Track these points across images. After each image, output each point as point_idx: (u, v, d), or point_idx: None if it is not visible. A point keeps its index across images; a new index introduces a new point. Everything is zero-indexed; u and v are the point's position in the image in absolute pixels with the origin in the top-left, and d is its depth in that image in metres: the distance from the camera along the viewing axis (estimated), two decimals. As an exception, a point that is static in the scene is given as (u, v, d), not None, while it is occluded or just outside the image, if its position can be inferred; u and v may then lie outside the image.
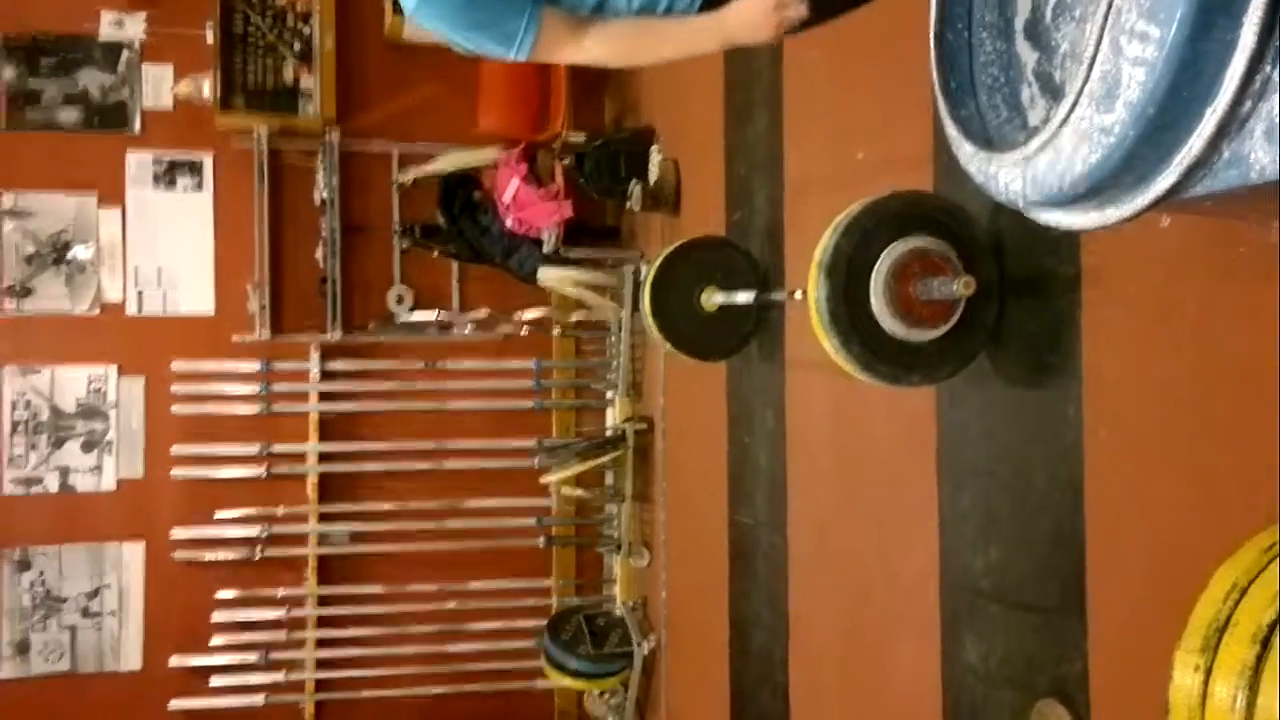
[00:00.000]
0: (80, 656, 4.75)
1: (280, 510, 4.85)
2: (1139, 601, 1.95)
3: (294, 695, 4.82)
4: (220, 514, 4.81)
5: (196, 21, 4.70)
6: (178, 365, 4.83)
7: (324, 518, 4.92)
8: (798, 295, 2.79)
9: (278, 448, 4.88)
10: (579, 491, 5.07)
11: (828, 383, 3.05)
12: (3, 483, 4.73)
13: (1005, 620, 2.34)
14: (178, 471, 4.81)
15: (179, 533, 4.78)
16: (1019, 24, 1.39)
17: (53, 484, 4.78)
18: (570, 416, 5.26)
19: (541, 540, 4.98)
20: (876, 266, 2.27)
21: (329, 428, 4.97)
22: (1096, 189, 1.16)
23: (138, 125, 4.91)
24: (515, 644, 4.96)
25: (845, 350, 2.31)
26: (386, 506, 4.95)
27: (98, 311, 4.85)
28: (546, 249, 4.75)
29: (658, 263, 3.63)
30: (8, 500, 4.73)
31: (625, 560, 4.86)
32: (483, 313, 5.04)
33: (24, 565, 4.72)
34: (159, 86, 4.90)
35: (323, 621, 4.89)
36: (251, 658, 4.76)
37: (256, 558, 4.80)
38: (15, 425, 4.74)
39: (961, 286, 2.19)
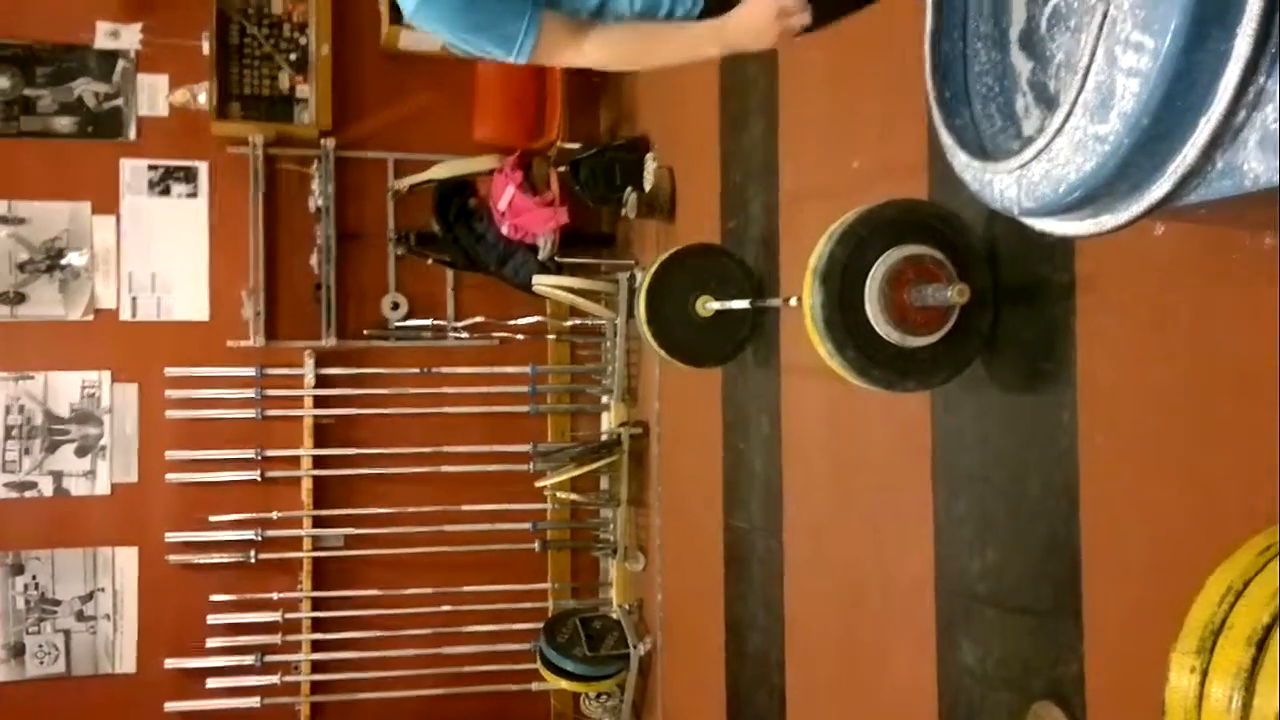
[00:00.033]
0: (75, 659, 4.75)
1: (275, 515, 4.85)
2: (1135, 604, 1.97)
3: (290, 697, 4.82)
4: (215, 518, 4.81)
5: (192, 32, 4.72)
6: (172, 371, 4.83)
7: (319, 522, 4.93)
8: (793, 302, 2.80)
9: (272, 453, 4.89)
10: (574, 496, 5.08)
11: (823, 388, 3.07)
12: (-4, 487, 4.73)
13: (1001, 623, 2.35)
14: (172, 476, 4.81)
15: (173, 536, 4.78)
16: (1014, 34, 1.40)
17: (46, 488, 4.77)
18: (566, 421, 5.27)
19: (537, 544, 4.99)
20: (871, 273, 2.28)
21: (324, 433, 4.97)
22: (1091, 197, 1.17)
23: (133, 133, 4.92)
24: (511, 646, 4.97)
25: (840, 356, 2.32)
26: (382, 511, 4.96)
27: (91, 317, 4.85)
28: (542, 256, 4.77)
29: (653, 270, 3.65)
30: (1, 504, 4.72)
31: (621, 564, 4.87)
32: (478, 319, 5.06)
33: (17, 569, 4.72)
34: (154, 95, 4.91)
35: (318, 624, 4.89)
36: (247, 660, 4.76)
37: (251, 561, 4.81)
38: (9, 430, 4.74)
39: (956, 293, 2.21)
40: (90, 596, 4.77)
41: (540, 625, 4.81)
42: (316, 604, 4.89)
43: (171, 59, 4.86)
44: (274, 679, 4.77)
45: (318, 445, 4.94)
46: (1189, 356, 1.85)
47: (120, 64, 4.89)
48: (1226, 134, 1.05)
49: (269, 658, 4.78)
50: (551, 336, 5.19)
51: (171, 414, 4.82)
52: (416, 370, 5.04)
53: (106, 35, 4.85)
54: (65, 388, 4.81)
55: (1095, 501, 2.07)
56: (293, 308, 4.95)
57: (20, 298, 4.77)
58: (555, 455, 4.86)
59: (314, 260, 4.90)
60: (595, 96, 5.36)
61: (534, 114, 4.93)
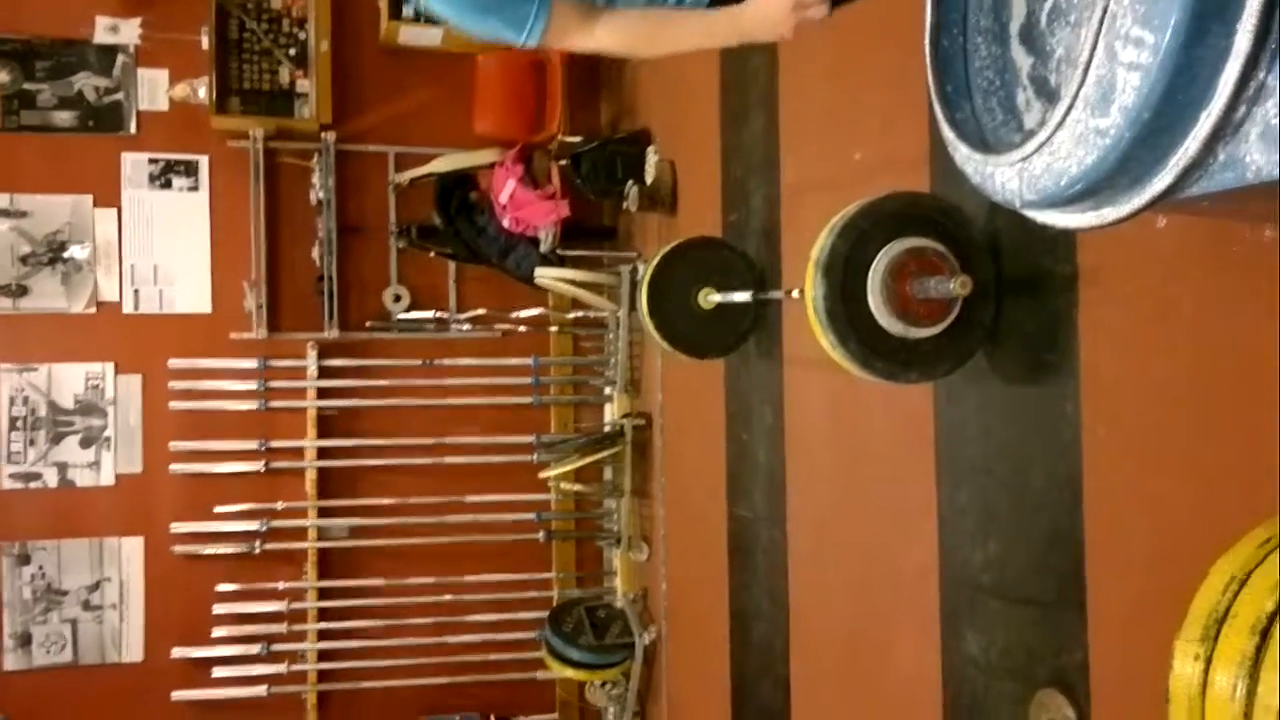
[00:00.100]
0: (82, 649, 4.77)
1: (279, 505, 4.87)
2: (1138, 594, 1.97)
3: (296, 686, 4.85)
4: (219, 509, 4.83)
5: (191, 27, 4.72)
6: (175, 363, 4.84)
7: (323, 513, 4.94)
8: (795, 294, 2.80)
9: (276, 444, 4.90)
10: (578, 486, 5.09)
11: (826, 380, 3.07)
12: (1, 478, 4.74)
13: (1005, 613, 2.36)
14: (176, 467, 4.83)
15: (178, 527, 4.80)
16: (1014, 29, 1.40)
17: (51, 479, 4.79)
18: (569, 412, 5.28)
19: (542, 534, 5.01)
20: (873, 266, 2.28)
21: (328, 424, 4.99)
22: (1092, 190, 1.18)
23: (133, 127, 4.92)
24: (516, 635, 4.99)
25: (843, 348, 2.32)
26: (386, 502, 4.97)
27: (94, 310, 4.86)
28: (543, 249, 4.77)
29: (655, 262, 3.65)
30: (7, 495, 4.74)
31: (625, 554, 4.88)
32: (480, 311, 5.08)
33: (24, 559, 4.74)
34: (154, 90, 4.91)
35: (324, 614, 4.91)
36: (253, 649, 4.78)
37: (256, 552, 4.82)
38: (14, 421, 4.76)
39: (958, 286, 2.21)
40: (97, 586, 4.80)
41: (545, 614, 4.83)
42: (322, 594, 4.91)
43: (171, 54, 4.86)
44: (280, 668, 4.79)
45: (321, 436, 4.95)
46: (1191, 348, 1.86)
47: (120, 59, 4.89)
48: (1227, 128, 1.06)
49: (275, 647, 4.80)
50: (554, 328, 5.20)
51: (175, 405, 4.83)
52: (419, 362, 5.05)
53: (106, 30, 4.85)
54: (69, 379, 4.82)
55: (1098, 492, 2.07)
56: (295, 300, 4.96)
57: (23, 290, 4.78)
58: (559, 446, 4.88)
59: (315, 253, 4.91)
60: (596, 90, 5.36)
61: (534, 107, 4.93)
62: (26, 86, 4.81)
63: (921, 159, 2.60)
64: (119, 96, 4.90)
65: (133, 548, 4.83)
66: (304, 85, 4.84)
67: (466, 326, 5.10)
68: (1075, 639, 2.11)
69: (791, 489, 3.43)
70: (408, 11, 4.84)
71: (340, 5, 4.93)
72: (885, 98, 2.84)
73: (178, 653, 4.74)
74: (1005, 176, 1.27)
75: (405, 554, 4.97)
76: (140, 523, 4.83)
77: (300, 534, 4.91)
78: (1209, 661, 1.25)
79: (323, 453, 4.95)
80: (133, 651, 4.82)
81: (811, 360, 2.97)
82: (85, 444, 4.82)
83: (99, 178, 4.87)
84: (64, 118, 4.86)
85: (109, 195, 4.89)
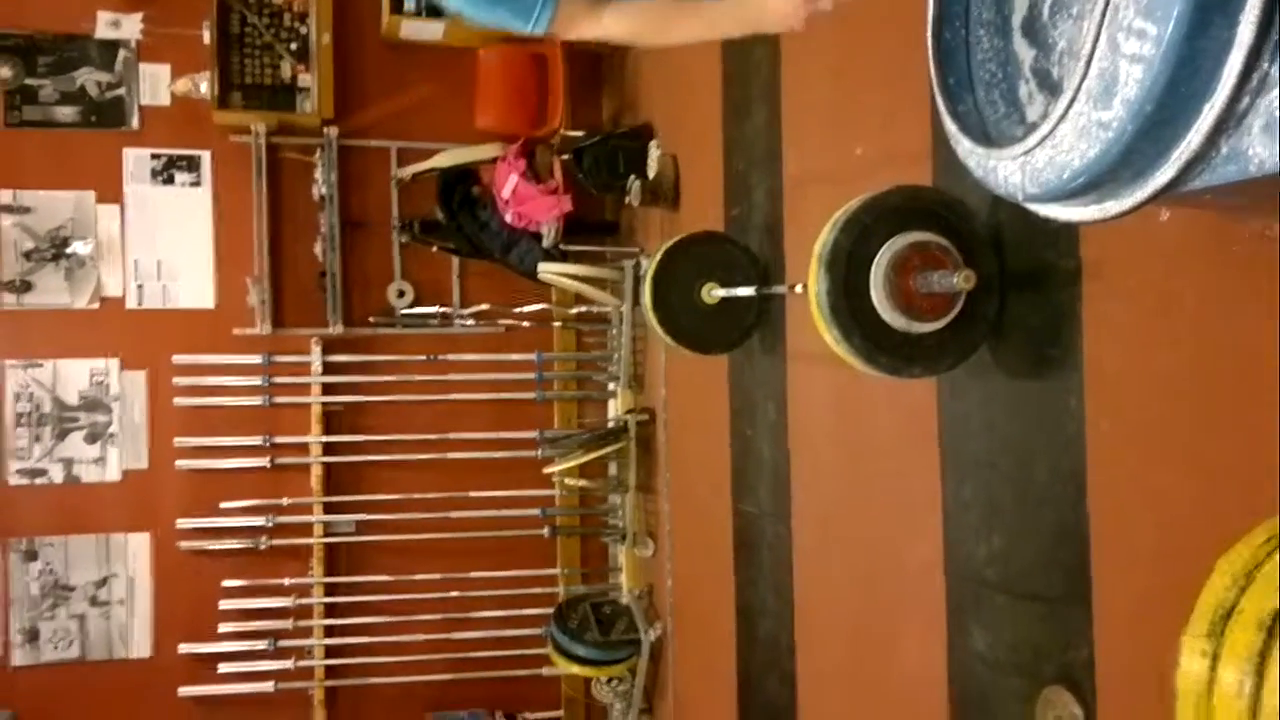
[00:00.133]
0: (90, 644, 4.79)
1: (285, 501, 4.88)
2: (1144, 590, 1.97)
3: (303, 682, 4.86)
4: (225, 504, 4.84)
5: (193, 21, 4.72)
6: (179, 358, 4.85)
7: (329, 508, 4.95)
8: (798, 289, 2.80)
9: (281, 439, 4.91)
10: (582, 482, 5.09)
11: (829, 375, 3.07)
12: (7, 474, 4.75)
13: (1011, 609, 2.35)
14: (182, 463, 4.84)
15: (185, 523, 4.81)
16: (1016, 21, 1.40)
17: (57, 475, 4.80)
18: (572, 408, 5.28)
19: (546, 530, 5.01)
20: (876, 260, 2.27)
21: (332, 420, 4.99)
22: (1095, 183, 1.17)
23: (135, 122, 4.92)
24: (522, 631, 5.00)
25: (846, 342, 2.31)
26: (392, 497, 4.98)
27: (97, 306, 4.87)
28: (546, 244, 4.77)
29: (658, 257, 3.64)
30: (13, 491, 4.75)
31: (630, 550, 4.88)
32: (484, 306, 5.07)
33: (31, 555, 4.75)
34: (156, 85, 4.91)
35: (330, 610, 4.92)
36: (260, 645, 4.79)
37: (262, 547, 4.83)
38: (19, 417, 4.76)
39: (961, 280, 2.20)
40: (104, 582, 4.81)
41: (551, 610, 4.83)
42: (328, 589, 4.92)
43: (173, 48, 4.85)
44: (287, 664, 4.80)
45: (326, 432, 4.96)
46: (1195, 342, 1.85)
47: (122, 53, 4.89)
48: (1230, 120, 1.05)
49: (281, 643, 4.81)
50: (557, 324, 5.20)
51: (180, 401, 4.84)
52: (423, 357, 5.05)
53: (108, 25, 4.85)
54: (74, 375, 4.83)
55: (1103, 487, 2.06)
56: (298, 295, 4.97)
57: (26, 286, 4.79)
58: (563, 442, 4.87)
59: (318, 248, 4.91)
60: (598, 84, 5.35)
61: (536, 102, 4.92)
62: (29, 82, 4.81)
63: (924, 153, 2.59)
64: (121, 92, 4.90)
65: (139, 544, 4.84)
66: (305, 80, 4.83)
67: (470, 322, 5.10)
68: (1081, 635, 2.10)
69: (796, 484, 3.42)
70: (409, 6, 4.83)
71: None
72: (887, 91, 2.83)
73: (184, 648, 4.76)
74: (1008, 170, 1.26)
75: (410, 550, 4.97)
76: (146, 519, 4.84)
77: (306, 530, 4.91)
78: (1216, 658, 1.24)
79: (327, 448, 4.96)
80: (140, 647, 4.83)
81: (815, 355, 2.96)
82: (90, 440, 4.83)
83: (101, 173, 4.88)
84: (66, 113, 4.86)
85: (112, 191, 4.89)
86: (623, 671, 4.74)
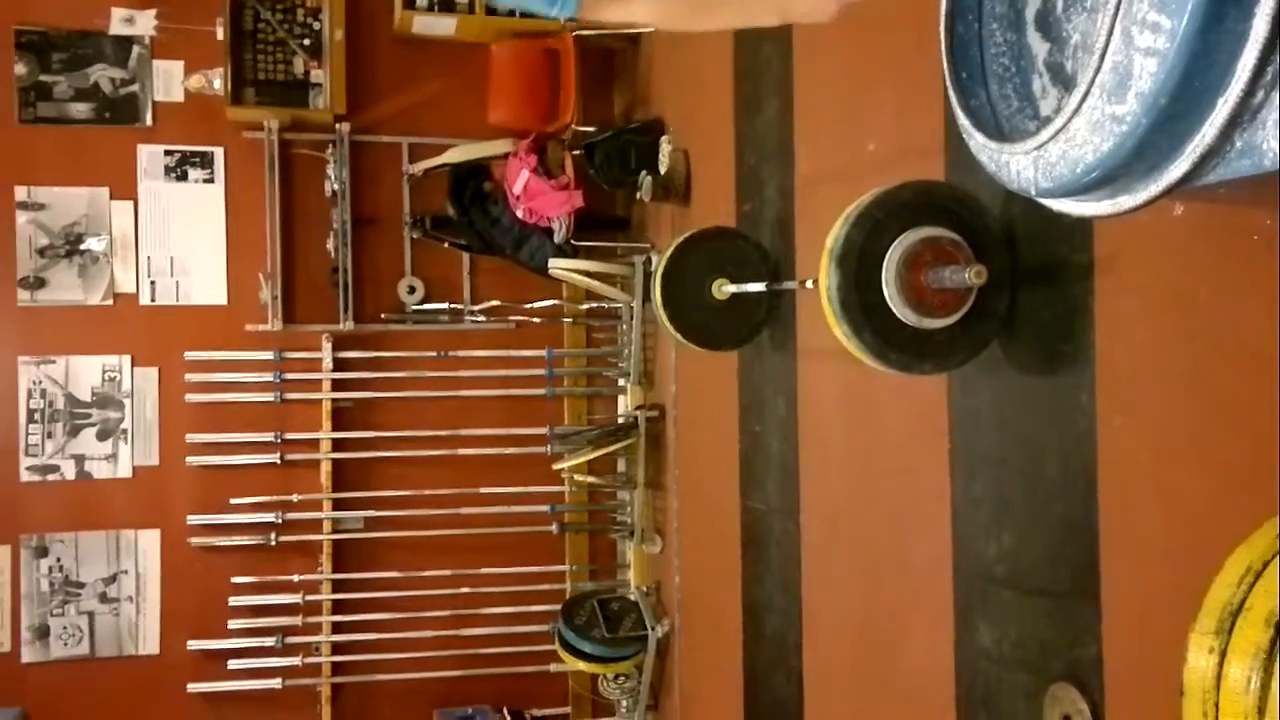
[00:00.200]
0: (99, 641, 4.81)
1: (295, 497, 4.89)
2: (1153, 586, 1.96)
3: (311, 678, 4.87)
4: (235, 501, 4.85)
5: (206, 18, 4.74)
6: (191, 355, 4.87)
7: (338, 504, 4.97)
8: (809, 284, 2.79)
9: (291, 435, 4.93)
10: (592, 478, 5.10)
11: (839, 371, 3.06)
12: (19, 470, 4.77)
13: (1019, 605, 2.35)
14: (193, 459, 4.85)
15: (195, 519, 4.83)
16: (1029, 15, 1.39)
17: (69, 471, 4.82)
18: (582, 404, 5.29)
19: (555, 526, 5.02)
20: (888, 256, 2.26)
21: (343, 416, 5.01)
22: (1109, 178, 1.17)
23: (149, 118, 4.94)
24: (530, 628, 5.00)
25: (857, 338, 2.31)
26: (401, 493, 4.99)
27: (111, 302, 4.89)
28: (557, 239, 4.77)
29: (668, 253, 3.64)
30: (25, 487, 4.77)
31: (638, 546, 4.88)
32: (494, 303, 5.08)
33: (41, 551, 4.77)
34: (170, 81, 4.93)
35: (339, 606, 4.94)
36: (268, 642, 4.81)
37: (272, 544, 4.85)
38: (31, 414, 4.79)
39: (973, 275, 2.19)
40: (113, 579, 4.83)
41: (558, 607, 4.84)
42: (337, 586, 4.93)
43: (186, 45, 4.87)
44: (295, 660, 4.82)
45: (336, 428, 4.97)
46: (1207, 338, 1.84)
47: (136, 50, 4.91)
48: (1245, 114, 1.05)
49: (290, 639, 4.83)
50: (568, 320, 5.21)
51: (191, 398, 4.86)
52: (433, 354, 5.06)
53: (121, 21, 4.87)
54: (86, 372, 4.85)
55: (1113, 483, 2.06)
56: (310, 292, 4.98)
57: (40, 283, 4.81)
58: (572, 438, 4.88)
59: (330, 244, 4.93)
60: (610, 79, 5.35)
61: (548, 97, 4.92)
62: (43, 78, 4.83)
63: (936, 147, 2.58)
64: (134, 88, 4.92)
65: (149, 540, 4.86)
66: (318, 75, 4.85)
67: (480, 318, 5.11)
68: (1089, 631, 2.10)
69: (805, 480, 3.42)
70: (421, 1, 4.84)
71: (354, -5, 4.95)
72: (900, 86, 2.83)
73: (193, 645, 4.78)
74: (1021, 164, 1.26)
75: (419, 546, 4.99)
76: (157, 515, 4.86)
77: (315, 526, 4.93)
78: (1224, 654, 1.24)
79: (337, 445, 4.98)
80: (149, 644, 4.85)
81: (825, 351, 2.96)
82: (102, 436, 4.85)
83: (115, 170, 4.90)
84: (80, 109, 4.88)
85: (125, 187, 4.91)
86: (629, 668, 4.74)
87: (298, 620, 4.86)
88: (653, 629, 4.63)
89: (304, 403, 4.96)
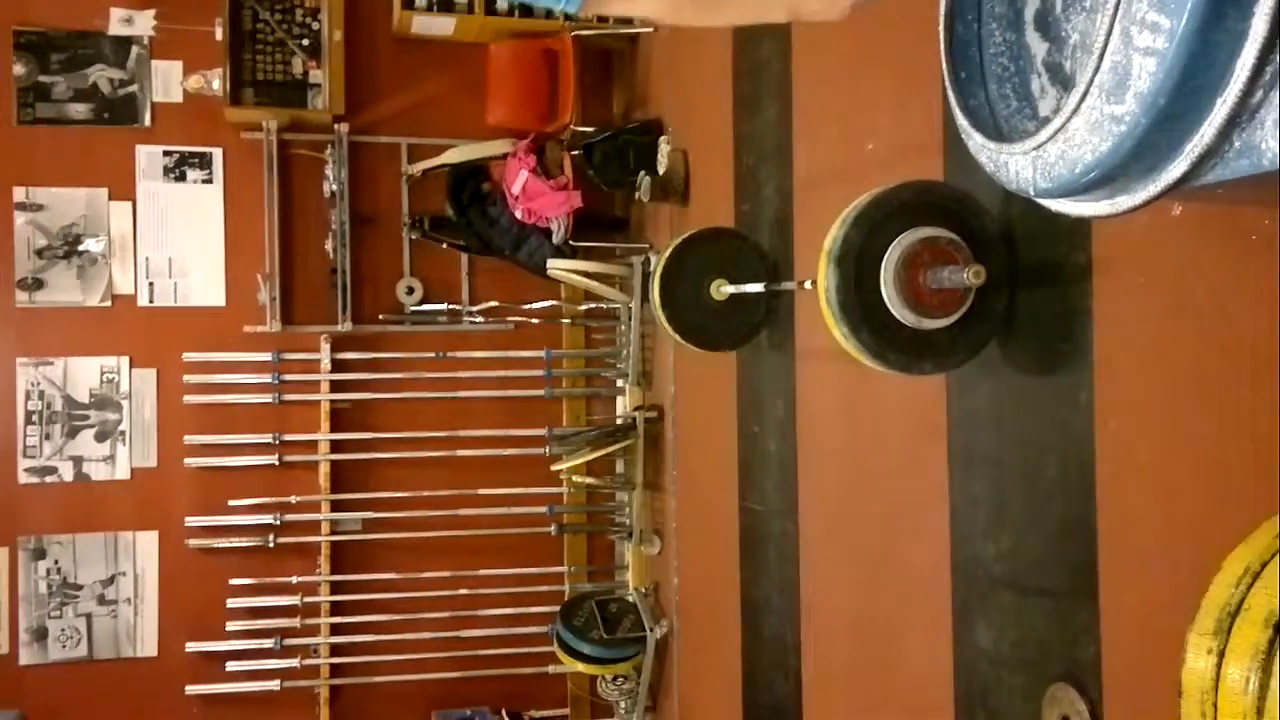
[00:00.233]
0: (97, 643, 4.80)
1: (293, 499, 4.89)
2: (1151, 587, 1.96)
3: (309, 680, 4.87)
4: (233, 502, 4.85)
5: (205, 18, 4.74)
6: (190, 356, 4.86)
7: (337, 506, 4.96)
8: (807, 285, 2.79)
9: (290, 437, 4.92)
10: (590, 479, 5.09)
11: (838, 371, 3.06)
12: (17, 472, 4.77)
13: (1017, 605, 2.35)
14: (191, 461, 4.85)
15: (193, 521, 4.83)
16: (1029, 15, 1.39)
17: (67, 473, 4.82)
18: (581, 405, 5.29)
19: (553, 528, 5.01)
20: (886, 256, 2.26)
21: (341, 417, 5.00)
22: (1107, 178, 1.17)
23: (148, 119, 4.94)
24: (528, 629, 5.00)
25: (855, 339, 2.31)
26: (399, 495, 4.99)
27: (109, 303, 4.88)
28: (555, 240, 4.78)
29: (667, 254, 3.64)
30: (23, 489, 4.77)
31: (637, 547, 4.88)
32: (493, 303, 5.08)
33: (39, 553, 4.77)
34: (169, 81, 4.93)
35: (337, 608, 4.93)
36: (267, 643, 4.81)
37: (270, 545, 4.85)
38: (29, 415, 4.78)
39: (972, 275, 2.19)
40: (111, 581, 4.82)
41: (557, 608, 4.83)
42: (335, 588, 4.93)
43: (185, 45, 4.88)
44: (293, 662, 4.82)
45: (335, 429, 4.97)
46: (1206, 338, 1.84)
47: (134, 50, 4.91)
48: (1244, 114, 1.05)
49: (288, 641, 4.83)
50: (566, 321, 5.21)
51: (190, 399, 4.86)
52: (432, 354, 5.06)
53: (120, 22, 4.87)
54: (84, 373, 4.84)
55: (1112, 484, 2.06)
56: (308, 293, 4.98)
57: (39, 284, 4.81)
58: (571, 439, 4.88)
59: (329, 245, 4.92)
60: (609, 79, 5.36)
61: (547, 97, 4.93)
62: (42, 79, 4.83)
63: (935, 147, 2.58)
64: (133, 89, 4.91)
65: (147, 542, 4.86)
66: (317, 76, 4.85)
67: (479, 319, 5.11)
68: (1088, 632, 2.10)
69: (803, 481, 3.42)
70: (420, 1, 4.84)
71: (353, -5, 4.95)
72: (898, 86, 2.83)
73: (192, 647, 4.78)
74: (1019, 165, 1.26)
75: (418, 547, 4.98)
76: (155, 517, 4.86)
77: (314, 527, 4.93)
78: (1222, 655, 1.24)
79: (336, 446, 4.97)
80: (147, 646, 4.85)
81: (824, 352, 2.96)
82: (100, 438, 4.84)
83: (114, 171, 4.90)
84: (79, 110, 4.88)
85: (124, 188, 4.91)
86: (628, 669, 4.74)
87: (296, 622, 4.85)
88: (651, 630, 4.63)
89: (302, 404, 4.96)
